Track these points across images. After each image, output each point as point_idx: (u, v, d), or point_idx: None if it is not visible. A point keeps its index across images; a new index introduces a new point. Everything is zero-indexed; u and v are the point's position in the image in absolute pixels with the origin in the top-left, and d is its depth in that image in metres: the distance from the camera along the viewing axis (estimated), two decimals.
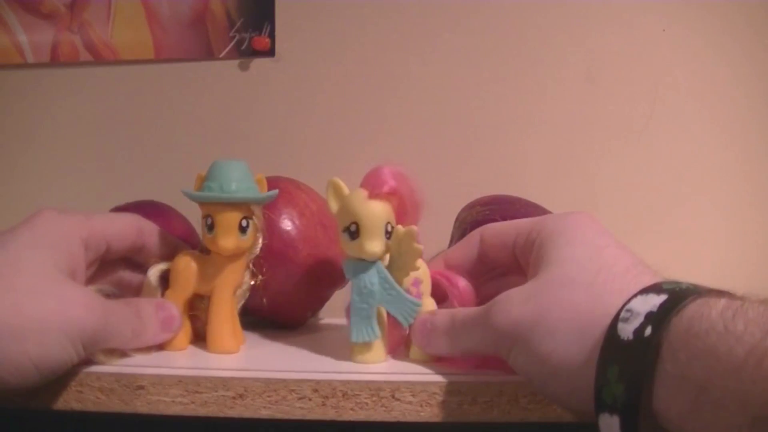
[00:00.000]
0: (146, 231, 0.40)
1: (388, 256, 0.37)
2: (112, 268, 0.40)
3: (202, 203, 0.38)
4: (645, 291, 0.26)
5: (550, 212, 0.47)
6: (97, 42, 0.68)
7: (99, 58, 0.68)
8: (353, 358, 0.36)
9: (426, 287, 0.37)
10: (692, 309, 0.24)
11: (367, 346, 0.36)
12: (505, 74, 0.66)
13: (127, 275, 0.41)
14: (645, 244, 0.63)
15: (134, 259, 0.40)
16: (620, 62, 0.65)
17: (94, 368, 0.33)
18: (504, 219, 0.44)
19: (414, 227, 0.35)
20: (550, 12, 0.65)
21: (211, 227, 0.38)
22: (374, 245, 0.35)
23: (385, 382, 0.32)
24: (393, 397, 0.32)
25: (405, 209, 0.37)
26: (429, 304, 0.37)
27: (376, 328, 0.36)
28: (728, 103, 0.64)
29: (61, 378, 0.32)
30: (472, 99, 0.66)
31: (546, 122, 0.65)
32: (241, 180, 0.38)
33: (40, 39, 0.68)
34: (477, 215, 0.47)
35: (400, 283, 0.36)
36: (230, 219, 0.38)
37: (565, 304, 0.28)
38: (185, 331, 0.40)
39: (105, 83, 0.69)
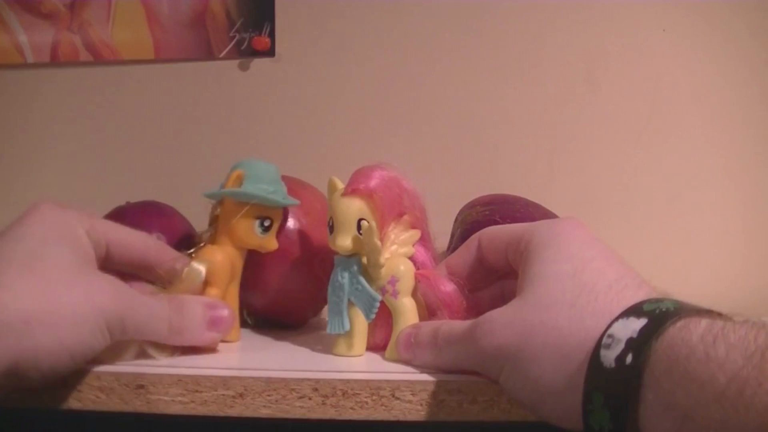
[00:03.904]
0: (153, 248, 0.39)
1: None
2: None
3: (258, 205, 0.39)
4: (626, 314, 0.26)
5: (550, 212, 0.48)
6: (97, 42, 0.68)
7: (99, 58, 0.68)
8: (331, 350, 0.38)
9: (403, 286, 0.37)
10: (672, 334, 0.24)
11: (339, 338, 0.38)
12: (505, 74, 0.66)
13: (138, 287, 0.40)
14: (644, 244, 0.64)
15: (141, 277, 0.40)
16: (620, 62, 0.65)
17: (93, 367, 0.33)
18: (504, 219, 0.44)
19: (373, 223, 0.36)
20: (550, 12, 0.65)
21: (268, 228, 0.40)
22: (342, 239, 0.37)
23: (385, 381, 0.32)
24: (393, 396, 0.32)
25: (382, 211, 0.37)
26: (406, 303, 0.37)
27: (346, 321, 0.37)
28: (727, 103, 0.65)
29: (62, 378, 0.32)
30: (472, 99, 0.66)
31: (546, 122, 0.66)
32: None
33: (40, 39, 0.68)
34: (477, 215, 0.46)
35: (376, 280, 0.37)
36: (280, 221, 0.41)
37: (548, 328, 0.28)
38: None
39: (105, 83, 0.69)
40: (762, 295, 0.63)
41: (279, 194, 0.40)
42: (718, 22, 0.64)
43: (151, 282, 0.39)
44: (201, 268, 0.38)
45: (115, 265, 0.38)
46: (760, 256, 0.64)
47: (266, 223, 0.40)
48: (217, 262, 0.39)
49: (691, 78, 0.65)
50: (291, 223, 0.44)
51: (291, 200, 0.41)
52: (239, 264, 0.41)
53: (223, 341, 0.39)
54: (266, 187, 0.39)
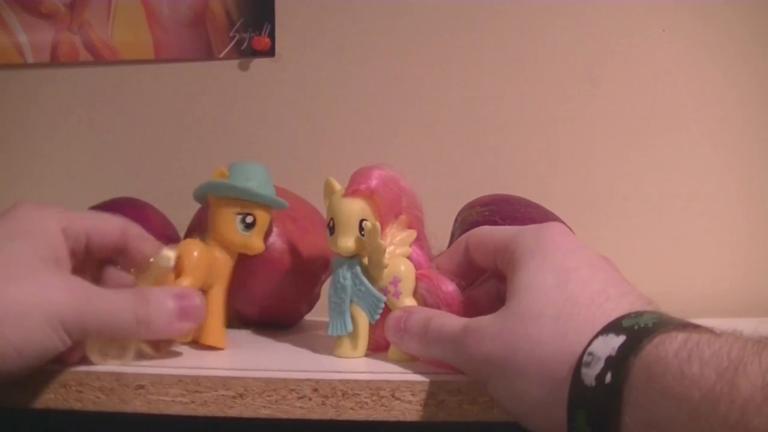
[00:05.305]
0: (131, 233, 0.38)
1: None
2: (99, 270, 0.39)
3: (238, 200, 0.38)
4: (606, 330, 0.26)
5: (550, 212, 0.47)
6: (97, 42, 0.68)
7: (99, 58, 0.68)
8: (333, 352, 0.38)
9: (405, 286, 0.37)
10: (648, 351, 0.24)
11: (341, 340, 0.37)
12: (506, 74, 0.66)
13: (115, 276, 0.39)
14: (644, 244, 0.63)
15: (119, 263, 0.39)
16: (620, 62, 0.65)
17: (93, 368, 0.33)
18: (504, 219, 0.44)
19: (377, 224, 0.35)
20: (550, 12, 0.65)
21: (250, 226, 0.38)
22: (344, 240, 0.36)
23: (385, 381, 0.32)
24: (393, 396, 0.32)
25: (382, 211, 0.37)
26: (409, 303, 0.37)
27: (349, 322, 0.37)
28: (728, 102, 0.65)
29: (61, 378, 0.32)
30: (473, 99, 0.66)
31: (546, 122, 0.66)
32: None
33: (40, 39, 0.68)
34: (477, 215, 0.46)
35: (377, 281, 0.37)
36: (267, 222, 0.39)
37: (533, 342, 0.28)
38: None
39: (105, 83, 0.69)
40: (763, 295, 0.63)
41: (264, 190, 0.38)
42: (718, 22, 0.64)
43: (128, 270, 0.38)
44: (170, 254, 0.37)
45: (96, 253, 0.37)
46: (760, 255, 0.64)
47: (248, 220, 0.38)
48: (192, 255, 0.37)
49: (691, 78, 0.65)
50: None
51: (279, 200, 0.39)
52: (226, 267, 0.39)
53: (209, 348, 0.39)
54: (250, 183, 0.38)
